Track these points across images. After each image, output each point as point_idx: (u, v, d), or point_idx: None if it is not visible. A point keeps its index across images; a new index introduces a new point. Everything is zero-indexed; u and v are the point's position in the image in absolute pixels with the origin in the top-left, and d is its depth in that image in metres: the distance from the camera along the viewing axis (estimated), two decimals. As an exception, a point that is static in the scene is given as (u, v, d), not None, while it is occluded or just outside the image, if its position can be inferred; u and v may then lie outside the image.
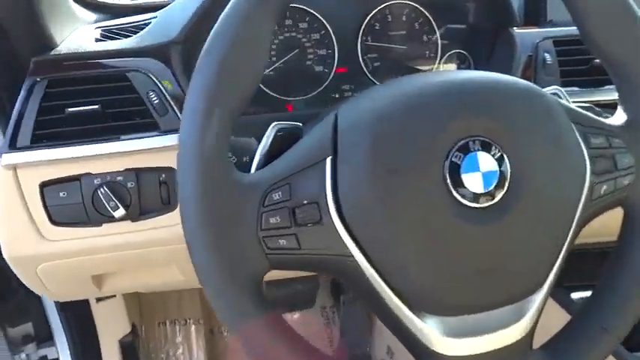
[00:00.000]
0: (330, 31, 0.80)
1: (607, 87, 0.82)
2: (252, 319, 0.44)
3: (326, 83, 0.81)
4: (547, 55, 0.79)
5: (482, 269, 0.44)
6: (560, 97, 0.56)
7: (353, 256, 0.44)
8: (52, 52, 0.70)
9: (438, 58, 0.85)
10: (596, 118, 0.52)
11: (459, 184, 0.43)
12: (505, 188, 0.44)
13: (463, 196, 0.43)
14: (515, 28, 0.82)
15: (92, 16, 0.84)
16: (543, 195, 0.45)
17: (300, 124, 0.51)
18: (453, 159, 0.44)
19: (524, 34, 0.82)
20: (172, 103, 0.66)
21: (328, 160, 0.45)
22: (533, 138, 0.46)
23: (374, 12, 0.81)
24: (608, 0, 0.50)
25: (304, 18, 0.79)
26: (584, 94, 0.80)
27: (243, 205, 0.44)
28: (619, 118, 0.53)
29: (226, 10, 0.44)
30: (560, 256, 0.48)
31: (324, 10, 0.79)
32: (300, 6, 0.79)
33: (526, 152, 0.45)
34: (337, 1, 0.80)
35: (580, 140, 0.49)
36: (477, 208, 0.44)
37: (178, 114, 0.66)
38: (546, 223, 0.46)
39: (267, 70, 0.79)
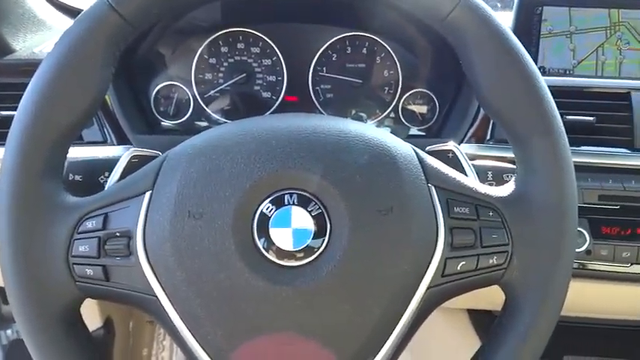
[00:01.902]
0: (281, 57, 0.78)
1: (585, 148, 0.74)
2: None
3: (271, 110, 0.79)
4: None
5: (279, 335, 0.40)
6: (449, 156, 0.50)
7: (157, 296, 0.42)
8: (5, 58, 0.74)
9: (397, 96, 0.80)
10: (468, 184, 0.45)
11: (266, 238, 0.40)
12: (319, 250, 0.40)
13: (267, 251, 0.40)
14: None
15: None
16: (367, 264, 0.40)
17: (160, 153, 0.50)
18: (264, 210, 0.40)
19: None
20: None
21: (147, 195, 0.43)
22: (365, 198, 0.41)
23: (331, 42, 0.78)
24: (498, 51, 0.44)
25: (257, 43, 0.78)
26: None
27: (55, 227, 0.43)
28: (506, 188, 0.47)
29: (62, 34, 0.44)
30: (395, 334, 0.42)
31: (278, 37, 0.78)
32: (253, 31, 0.78)
33: (352, 213, 0.40)
34: (295, 29, 0.79)
35: (438, 207, 0.43)
36: (282, 266, 0.40)
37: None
38: (368, 296, 0.41)
39: (213, 92, 0.78)
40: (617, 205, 0.70)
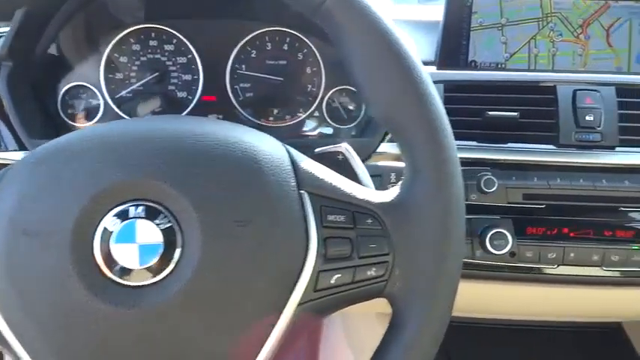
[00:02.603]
0: (196, 55, 0.74)
1: (510, 145, 0.71)
2: None
3: (187, 110, 0.75)
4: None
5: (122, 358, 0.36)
6: (339, 158, 0.47)
7: None
8: None
9: (321, 93, 0.76)
10: (345, 190, 0.42)
11: (108, 255, 0.36)
12: (168, 267, 0.36)
13: (110, 270, 0.36)
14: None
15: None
16: (222, 281, 0.37)
17: None
18: (107, 225, 0.37)
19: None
20: None
21: None
22: (221, 209, 0.37)
23: (249, 38, 0.75)
24: (376, 46, 0.41)
25: (171, 40, 0.74)
26: (482, 151, 0.69)
27: None
28: (390, 193, 0.43)
29: None
30: (261, 357, 0.39)
31: (192, 33, 0.74)
32: (166, 28, 0.74)
33: (205, 225, 0.37)
34: (211, 25, 0.75)
35: (310, 215, 0.39)
36: (126, 286, 0.36)
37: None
38: (224, 317, 0.37)
39: (124, 92, 0.74)
40: (542, 205, 0.68)
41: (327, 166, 0.44)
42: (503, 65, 0.78)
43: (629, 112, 0.68)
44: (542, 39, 0.78)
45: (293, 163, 0.41)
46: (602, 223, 0.68)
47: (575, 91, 0.68)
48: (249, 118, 0.76)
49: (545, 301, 0.73)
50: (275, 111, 0.76)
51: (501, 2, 0.78)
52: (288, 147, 0.43)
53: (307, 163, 0.42)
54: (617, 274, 0.68)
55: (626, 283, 0.69)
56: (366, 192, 0.43)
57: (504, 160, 0.68)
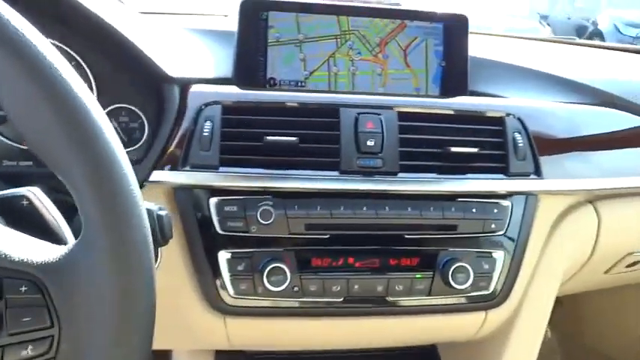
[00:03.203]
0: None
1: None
2: None
3: None
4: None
5: None
6: (24, 204, 0.38)
7: None
8: None
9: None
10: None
11: None
12: None
13: None
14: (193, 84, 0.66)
15: None
16: None
17: None
18: None
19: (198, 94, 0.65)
20: None
21: None
22: None
23: None
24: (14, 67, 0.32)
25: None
26: (262, 179, 0.64)
27: None
28: (60, 249, 0.35)
29: None
30: None
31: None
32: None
33: None
34: None
35: None
36: None
37: None
38: None
39: None
40: (326, 235, 0.64)
41: (9, 216, 0.35)
42: (303, 84, 0.75)
43: (410, 136, 0.67)
44: (341, 57, 0.75)
45: None
46: (387, 251, 0.66)
47: (357, 115, 0.66)
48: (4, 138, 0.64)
49: (335, 332, 0.70)
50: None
51: (298, 17, 0.74)
52: None
53: None
54: (402, 303, 0.66)
55: (413, 312, 0.68)
56: (32, 250, 0.34)
57: (286, 188, 0.63)
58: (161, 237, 0.45)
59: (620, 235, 0.79)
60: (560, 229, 0.73)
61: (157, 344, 0.92)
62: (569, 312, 1.21)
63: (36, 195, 0.39)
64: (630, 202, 0.79)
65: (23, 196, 0.39)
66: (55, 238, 0.39)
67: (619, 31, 7.83)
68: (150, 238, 0.36)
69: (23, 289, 0.33)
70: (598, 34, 7.81)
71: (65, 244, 0.38)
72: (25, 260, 0.33)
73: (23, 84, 0.32)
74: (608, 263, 0.84)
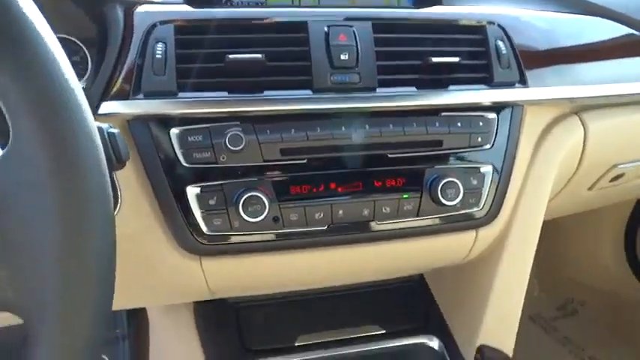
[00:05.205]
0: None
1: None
2: None
3: None
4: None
5: None
6: None
7: None
8: None
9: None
10: None
11: None
12: None
13: None
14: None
15: None
16: None
17: None
18: None
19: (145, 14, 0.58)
20: None
21: None
22: None
23: None
24: None
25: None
26: (228, 103, 0.57)
27: None
28: None
29: None
30: None
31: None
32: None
33: None
34: None
35: None
36: None
37: None
38: None
39: None
40: (303, 159, 0.59)
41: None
42: (263, 2, 0.68)
43: (387, 49, 0.61)
44: (304, -28, 0.69)
45: None
46: (371, 172, 0.61)
47: (328, 28, 0.60)
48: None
49: (319, 265, 0.66)
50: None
51: None
52: None
53: None
54: (390, 227, 0.62)
55: (401, 236, 0.64)
56: None
57: (255, 111, 0.57)
58: (116, 159, 0.39)
59: (606, 146, 0.77)
60: (547, 140, 0.70)
61: (129, 303, 0.87)
62: (545, 244, 1.22)
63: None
64: (616, 112, 0.76)
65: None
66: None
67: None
68: (103, 160, 0.31)
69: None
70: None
71: None
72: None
73: None
74: (593, 177, 0.82)
